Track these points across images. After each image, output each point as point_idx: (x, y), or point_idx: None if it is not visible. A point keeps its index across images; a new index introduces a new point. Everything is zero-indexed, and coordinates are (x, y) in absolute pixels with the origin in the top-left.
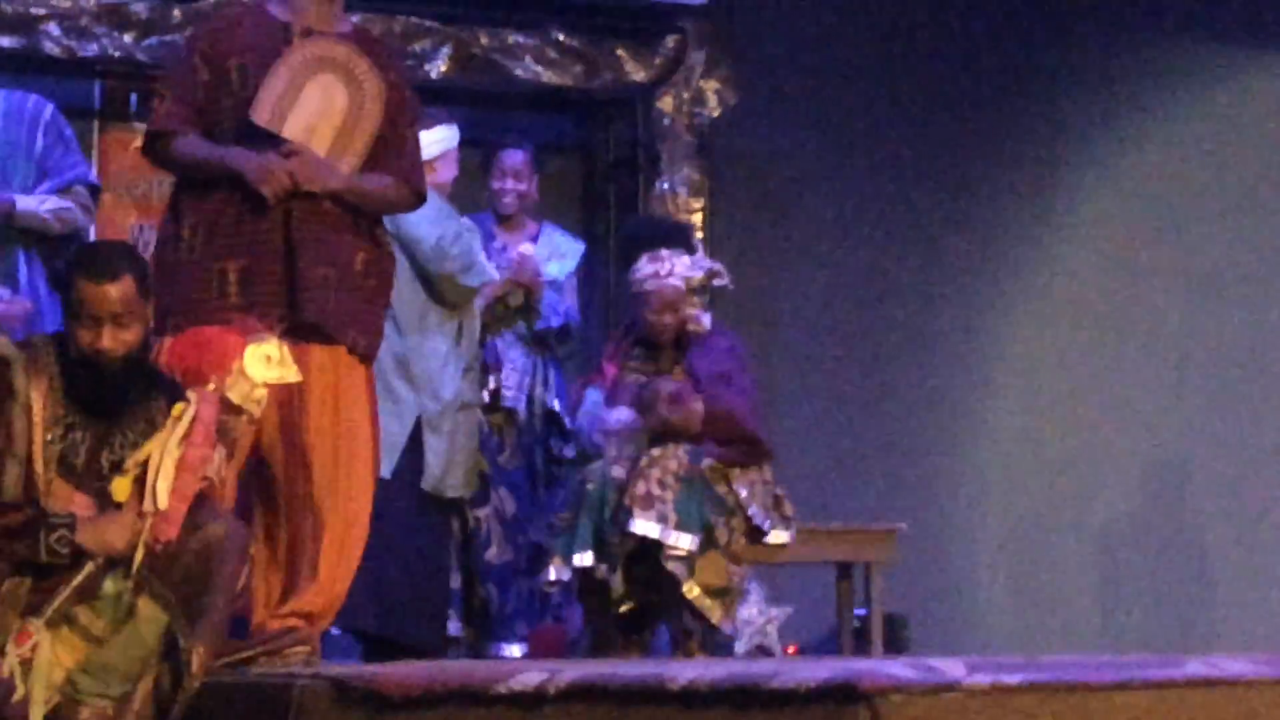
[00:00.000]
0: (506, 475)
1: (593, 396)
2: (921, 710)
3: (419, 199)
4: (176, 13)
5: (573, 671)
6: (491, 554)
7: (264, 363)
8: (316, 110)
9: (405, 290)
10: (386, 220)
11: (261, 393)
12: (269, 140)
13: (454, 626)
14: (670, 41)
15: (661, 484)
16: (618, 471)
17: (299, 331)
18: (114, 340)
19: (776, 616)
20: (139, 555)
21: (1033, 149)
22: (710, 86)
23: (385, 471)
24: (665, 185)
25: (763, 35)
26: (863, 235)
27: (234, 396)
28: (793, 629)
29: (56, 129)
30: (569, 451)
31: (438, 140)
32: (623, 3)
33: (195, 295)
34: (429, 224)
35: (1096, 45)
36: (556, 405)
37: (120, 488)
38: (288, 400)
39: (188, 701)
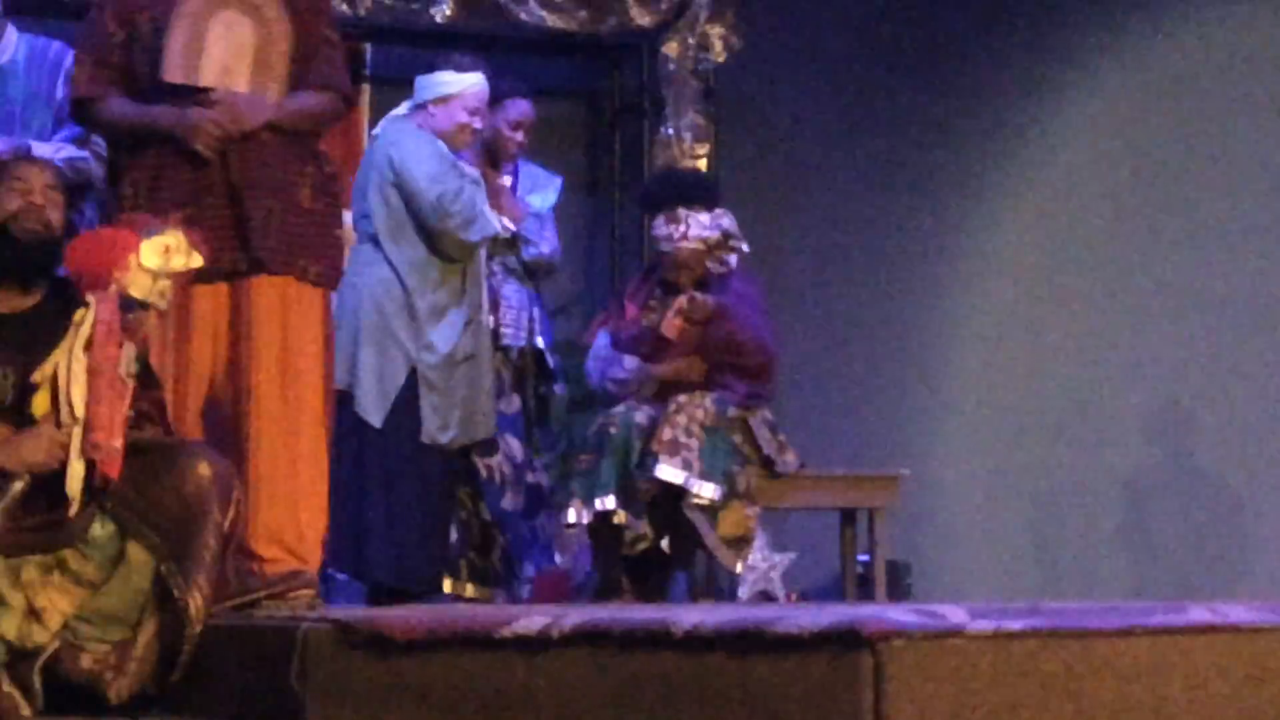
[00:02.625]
0: (509, 420)
1: (601, 340)
2: (924, 656)
3: (347, 103)
4: None
5: (576, 616)
6: (507, 501)
7: (162, 253)
8: (226, 49)
9: (407, 241)
10: (390, 171)
11: (164, 284)
12: (191, 92)
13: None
14: None
15: (687, 431)
16: (641, 416)
17: (249, 268)
18: (43, 198)
19: (780, 563)
20: (75, 468)
21: (1027, 93)
22: (715, 32)
23: (377, 422)
24: (670, 131)
25: None
26: (866, 180)
27: (135, 292)
28: (796, 575)
29: None
30: (559, 388)
31: (444, 82)
32: None
33: None
34: (429, 179)
35: None
36: (540, 343)
37: (38, 404)
38: (235, 341)
39: (192, 648)
